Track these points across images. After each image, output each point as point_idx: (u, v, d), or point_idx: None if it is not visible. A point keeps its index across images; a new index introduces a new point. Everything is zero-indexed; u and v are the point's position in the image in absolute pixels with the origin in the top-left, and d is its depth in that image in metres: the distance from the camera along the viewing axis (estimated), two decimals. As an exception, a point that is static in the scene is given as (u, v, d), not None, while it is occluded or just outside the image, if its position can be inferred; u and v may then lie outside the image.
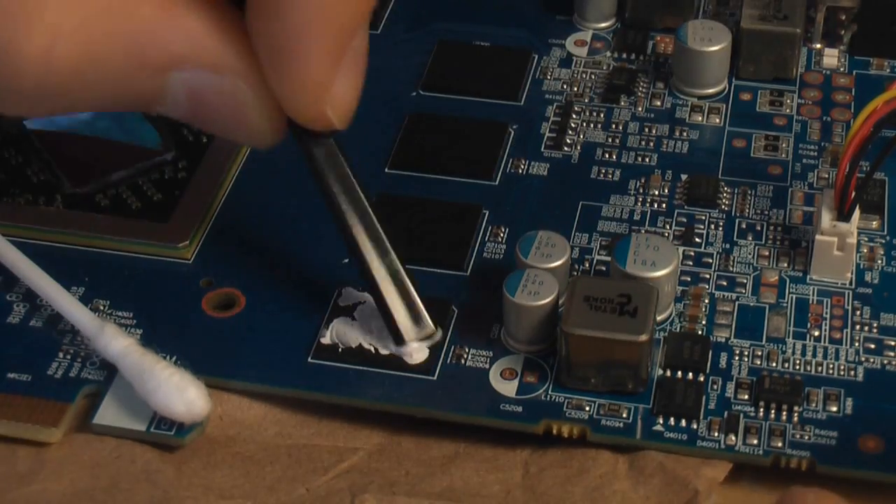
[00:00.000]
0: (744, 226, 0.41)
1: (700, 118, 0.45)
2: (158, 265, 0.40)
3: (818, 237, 0.39)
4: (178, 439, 0.36)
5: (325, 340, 0.38)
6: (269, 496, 0.35)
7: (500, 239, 0.41)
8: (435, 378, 0.37)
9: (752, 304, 0.39)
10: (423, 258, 0.40)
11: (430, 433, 0.36)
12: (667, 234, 0.41)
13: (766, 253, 0.40)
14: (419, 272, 0.40)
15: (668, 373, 0.37)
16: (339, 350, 0.38)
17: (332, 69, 0.32)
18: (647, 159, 0.43)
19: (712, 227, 0.41)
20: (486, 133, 0.44)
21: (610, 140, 0.44)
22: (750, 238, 0.41)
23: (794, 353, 0.37)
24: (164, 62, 0.31)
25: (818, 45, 0.47)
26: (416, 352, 0.37)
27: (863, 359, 0.37)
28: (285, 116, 0.33)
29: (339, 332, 0.38)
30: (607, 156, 0.44)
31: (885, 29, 0.47)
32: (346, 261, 0.40)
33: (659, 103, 0.46)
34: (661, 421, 0.36)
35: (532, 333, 0.37)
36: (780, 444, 0.35)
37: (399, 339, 0.37)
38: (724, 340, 0.38)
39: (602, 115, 0.45)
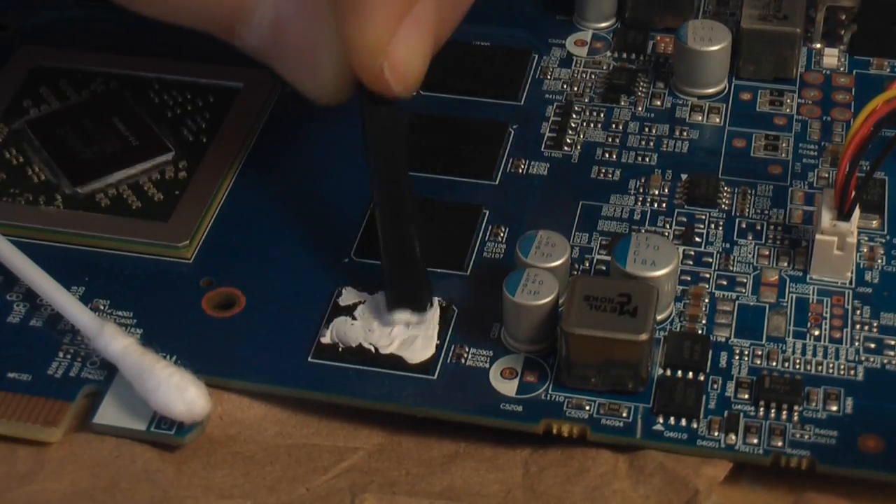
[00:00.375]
0: (744, 225, 0.41)
1: (700, 118, 0.45)
2: (158, 265, 0.40)
3: (818, 237, 0.39)
4: (178, 439, 0.36)
5: (326, 340, 0.38)
6: (269, 496, 0.35)
7: (500, 238, 0.41)
8: (435, 377, 0.37)
9: (752, 303, 0.39)
10: (423, 258, 0.40)
11: (431, 433, 0.36)
12: (667, 234, 0.41)
13: (766, 252, 0.40)
14: (419, 272, 0.40)
15: (668, 372, 0.37)
16: (340, 350, 0.38)
17: (390, 25, 0.31)
18: (647, 159, 0.43)
19: (712, 226, 0.41)
20: (487, 133, 0.44)
21: (610, 140, 0.44)
22: (750, 237, 0.41)
23: (794, 352, 0.37)
24: None
25: (818, 45, 0.47)
26: (398, 326, 0.37)
27: (863, 358, 0.37)
28: (352, 75, 0.33)
29: (340, 332, 0.38)
30: (607, 155, 0.44)
31: (885, 29, 0.47)
32: (347, 260, 0.40)
33: (659, 103, 0.46)
34: (661, 420, 0.36)
35: (532, 333, 0.37)
36: (780, 444, 0.35)
37: (391, 304, 0.37)
38: (724, 340, 0.38)
39: (602, 115, 0.45)
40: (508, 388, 0.37)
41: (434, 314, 0.38)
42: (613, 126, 0.45)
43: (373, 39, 0.31)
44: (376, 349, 0.37)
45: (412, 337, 0.37)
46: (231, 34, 0.32)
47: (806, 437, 0.35)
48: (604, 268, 0.40)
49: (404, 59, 0.32)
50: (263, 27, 0.32)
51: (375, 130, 0.35)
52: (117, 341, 0.37)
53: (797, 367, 0.37)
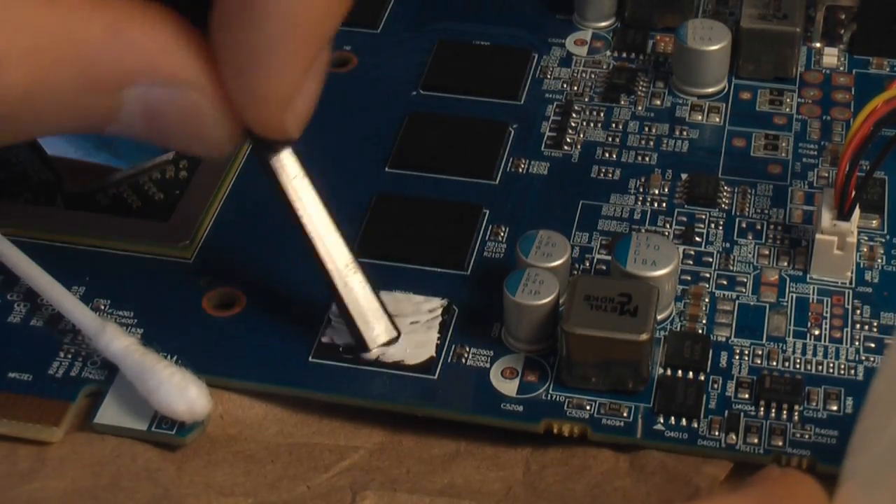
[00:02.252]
0: (744, 225, 0.41)
1: (700, 117, 0.45)
2: (159, 264, 0.40)
3: (818, 236, 0.39)
4: (179, 438, 0.36)
5: (326, 339, 0.38)
6: (269, 494, 0.35)
7: (500, 238, 0.41)
8: (436, 377, 0.37)
9: (752, 303, 0.39)
10: (424, 258, 0.40)
11: (431, 432, 0.36)
12: (667, 234, 0.41)
13: (767, 252, 0.40)
14: (419, 272, 0.40)
15: (669, 372, 0.37)
16: (340, 349, 0.38)
17: (300, 82, 0.32)
18: (647, 158, 0.43)
19: (712, 226, 0.41)
20: (487, 132, 0.44)
21: (610, 139, 0.44)
22: (750, 237, 0.41)
23: (794, 352, 0.37)
24: (116, 80, 0.31)
25: (818, 45, 0.48)
26: (378, 354, 0.37)
27: (863, 358, 0.37)
28: (241, 126, 0.33)
29: (339, 332, 0.38)
30: (607, 155, 0.44)
31: (885, 28, 0.47)
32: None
33: (659, 102, 0.46)
34: (661, 420, 0.36)
35: (533, 333, 0.37)
36: (780, 443, 0.35)
37: (363, 347, 0.37)
38: (724, 339, 0.38)
39: (602, 115, 0.45)
40: (509, 387, 0.37)
41: (435, 314, 0.38)
42: (613, 125, 0.45)
43: (279, 101, 0.32)
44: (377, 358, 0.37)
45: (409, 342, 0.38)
46: (101, 132, 0.32)
47: (806, 436, 0.35)
48: (604, 267, 0.40)
49: (305, 106, 0.32)
50: (136, 118, 0.31)
51: (278, 174, 0.35)
52: (118, 341, 0.37)
53: (797, 366, 0.37)
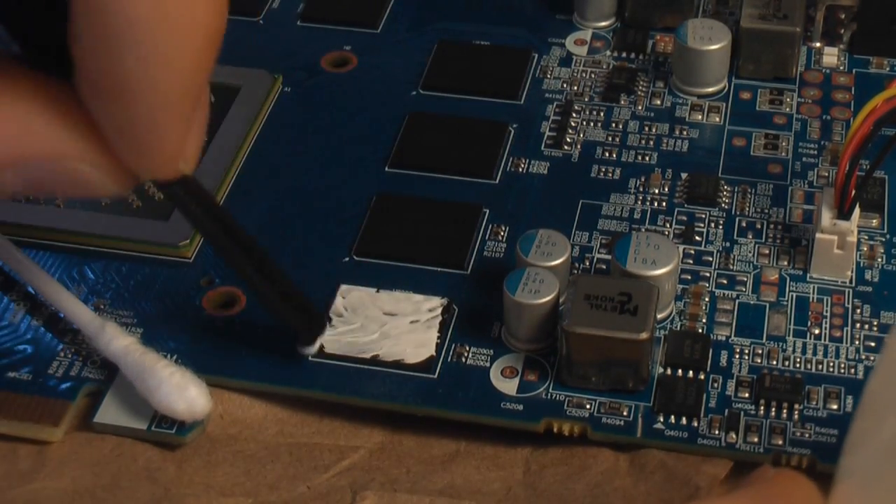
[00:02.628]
0: (744, 224, 0.41)
1: (700, 117, 0.45)
2: (159, 264, 0.40)
3: (818, 235, 0.39)
4: (179, 438, 0.36)
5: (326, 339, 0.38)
6: (270, 494, 0.35)
7: (500, 238, 0.41)
8: (436, 376, 0.37)
9: (752, 302, 0.39)
10: (424, 258, 0.40)
11: (431, 431, 0.36)
12: (667, 233, 0.41)
13: (767, 251, 0.40)
14: (419, 271, 0.40)
15: (669, 371, 0.37)
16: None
17: (187, 134, 0.30)
18: (647, 158, 0.43)
19: (712, 225, 0.41)
20: (487, 132, 0.44)
21: (610, 139, 0.44)
22: (750, 236, 0.41)
23: (794, 351, 0.37)
24: None
25: (818, 44, 0.48)
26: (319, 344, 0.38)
27: (863, 357, 0.37)
28: (133, 175, 0.31)
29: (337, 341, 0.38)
30: (607, 154, 0.44)
31: (885, 28, 0.47)
32: (347, 259, 0.40)
33: (659, 102, 0.46)
34: (661, 419, 0.36)
35: (533, 332, 0.37)
36: (780, 442, 0.35)
37: (306, 340, 0.37)
38: (724, 339, 0.38)
39: (602, 114, 0.45)
40: (509, 387, 0.37)
41: (435, 313, 0.38)
42: (613, 125, 0.45)
43: (169, 153, 0.30)
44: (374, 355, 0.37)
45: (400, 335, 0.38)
46: None
47: (806, 435, 0.35)
48: (604, 267, 0.40)
49: (194, 148, 0.31)
50: (19, 188, 0.29)
51: (185, 204, 0.34)
52: (118, 340, 0.37)
53: (797, 365, 0.37)
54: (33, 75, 0.29)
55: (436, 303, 0.39)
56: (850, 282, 0.39)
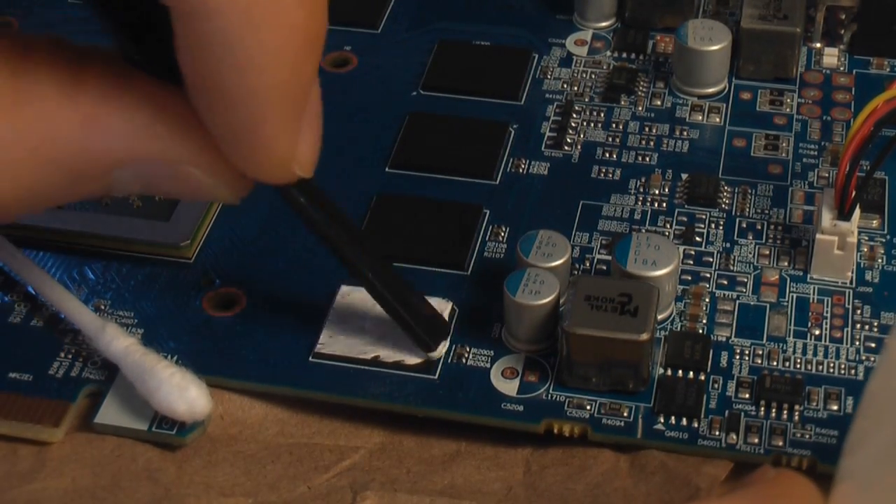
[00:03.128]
0: (744, 225, 0.41)
1: (700, 117, 0.45)
2: (159, 264, 0.40)
3: (819, 236, 0.39)
4: (180, 438, 0.36)
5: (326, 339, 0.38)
6: (270, 494, 0.35)
7: (500, 238, 0.41)
8: (436, 377, 0.37)
9: (752, 303, 0.39)
10: (424, 258, 0.40)
11: (432, 432, 0.36)
12: (667, 234, 0.41)
13: (767, 252, 0.40)
14: (419, 271, 0.40)
15: (669, 372, 0.37)
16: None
17: (296, 136, 0.31)
18: (647, 159, 0.43)
19: (713, 226, 0.41)
20: (487, 132, 0.44)
21: (610, 139, 0.44)
22: (750, 237, 0.41)
23: (794, 352, 0.37)
24: (102, 167, 0.30)
25: (818, 45, 0.48)
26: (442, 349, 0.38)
27: (863, 358, 0.37)
28: (248, 180, 0.32)
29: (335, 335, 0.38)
30: (608, 155, 0.44)
31: (885, 28, 0.47)
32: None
33: (659, 103, 0.46)
34: (661, 420, 0.36)
35: (533, 333, 0.37)
36: (780, 443, 0.35)
37: (427, 347, 0.37)
38: (724, 339, 0.38)
39: (602, 115, 0.45)
40: (509, 387, 0.37)
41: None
42: (613, 126, 0.45)
43: (282, 157, 0.31)
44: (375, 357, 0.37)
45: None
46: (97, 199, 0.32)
47: (807, 436, 0.35)
48: (604, 267, 0.40)
49: (309, 150, 0.31)
50: (133, 188, 0.30)
51: (301, 206, 0.34)
52: (118, 341, 0.37)
53: (798, 366, 0.37)
54: (150, 81, 0.30)
55: (443, 305, 0.38)
56: (851, 283, 0.39)
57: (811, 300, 0.39)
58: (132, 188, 0.31)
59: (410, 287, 0.37)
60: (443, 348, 0.37)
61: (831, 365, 0.37)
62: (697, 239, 0.41)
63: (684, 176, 0.43)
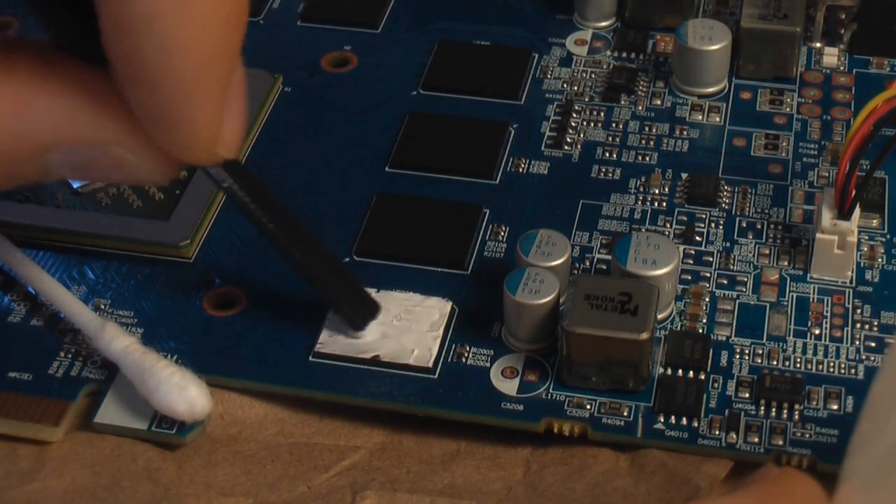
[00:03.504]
0: (744, 224, 0.41)
1: (700, 117, 0.45)
2: (159, 264, 0.40)
3: (819, 235, 0.39)
4: (180, 438, 0.36)
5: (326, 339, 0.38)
6: (270, 493, 0.35)
7: (500, 238, 0.41)
8: (436, 376, 0.37)
9: (752, 302, 0.39)
10: (424, 258, 0.40)
11: (432, 431, 0.36)
12: (667, 233, 0.41)
13: (767, 251, 0.40)
14: (419, 271, 0.40)
15: (669, 371, 0.37)
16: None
17: (220, 117, 0.31)
18: (647, 158, 0.43)
19: (713, 225, 0.41)
20: (487, 132, 0.44)
21: (610, 139, 0.44)
22: (750, 237, 0.41)
23: (794, 351, 0.37)
24: (32, 151, 0.30)
25: (818, 44, 0.48)
26: (371, 331, 0.38)
27: (863, 357, 0.37)
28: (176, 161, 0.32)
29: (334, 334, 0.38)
30: (608, 155, 0.44)
31: (885, 28, 0.47)
32: (347, 259, 0.40)
33: (659, 102, 0.46)
34: (661, 419, 0.36)
35: (533, 332, 0.37)
36: (780, 443, 0.35)
37: (357, 325, 0.37)
38: (724, 339, 0.38)
39: (602, 114, 0.45)
40: (509, 387, 0.37)
41: (441, 313, 0.38)
42: (614, 125, 0.45)
43: (205, 136, 0.31)
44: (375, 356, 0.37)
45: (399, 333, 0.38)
46: (31, 184, 0.32)
47: (807, 435, 0.35)
48: (604, 267, 0.40)
49: (233, 130, 0.32)
50: (66, 172, 0.31)
51: (228, 185, 0.34)
52: (118, 341, 0.37)
53: (798, 366, 0.37)
54: (76, 63, 0.30)
55: (445, 307, 0.38)
56: (851, 282, 0.39)
57: (811, 299, 0.39)
58: (66, 172, 0.31)
59: (342, 267, 0.37)
60: (372, 326, 0.38)
61: (831, 364, 0.37)
62: (697, 238, 0.41)
63: (684, 175, 0.43)
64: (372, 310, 0.38)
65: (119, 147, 0.31)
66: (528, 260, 0.38)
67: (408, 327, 0.38)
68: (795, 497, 0.30)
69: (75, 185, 0.42)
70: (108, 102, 0.30)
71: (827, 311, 0.38)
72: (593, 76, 0.47)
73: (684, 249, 0.40)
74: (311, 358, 0.37)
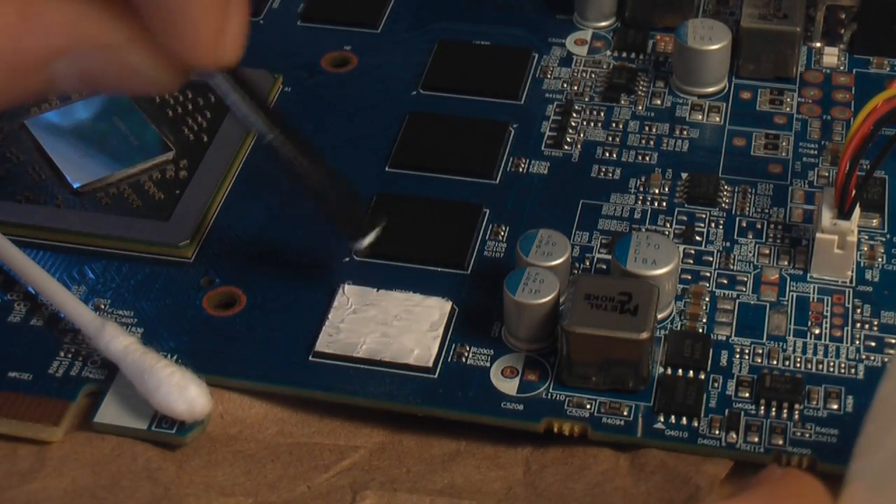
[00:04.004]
0: (744, 224, 0.41)
1: (700, 117, 0.45)
2: (159, 264, 0.40)
3: (819, 235, 0.39)
4: (180, 437, 0.36)
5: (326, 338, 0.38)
6: (270, 493, 0.35)
7: (500, 237, 0.41)
8: (436, 376, 0.37)
9: (752, 302, 0.39)
10: (424, 258, 0.40)
11: (432, 431, 0.36)
12: (667, 233, 0.41)
13: (767, 251, 0.40)
14: (420, 271, 0.40)
15: (669, 371, 0.37)
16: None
17: (224, 18, 0.31)
18: (647, 158, 0.43)
19: (713, 225, 0.41)
20: (487, 132, 0.44)
21: (610, 139, 0.44)
22: (750, 236, 0.41)
23: (794, 351, 0.37)
24: (40, 58, 0.31)
25: (818, 44, 0.48)
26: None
27: (863, 356, 0.37)
28: (181, 65, 0.32)
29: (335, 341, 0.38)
30: (608, 154, 0.44)
31: (885, 28, 0.47)
32: (347, 260, 0.40)
33: (659, 102, 0.46)
34: (661, 419, 0.36)
35: (533, 332, 0.37)
36: (780, 442, 0.35)
37: (355, 235, 0.38)
38: (724, 338, 0.38)
39: (602, 114, 0.45)
40: (509, 386, 0.37)
41: (441, 313, 0.38)
42: (614, 125, 0.45)
43: (209, 41, 0.31)
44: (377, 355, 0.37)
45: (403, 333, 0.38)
46: (48, 96, 0.31)
47: (807, 435, 0.35)
48: (604, 266, 0.40)
49: (235, 34, 0.32)
50: (73, 81, 0.32)
51: (228, 93, 0.35)
52: (118, 340, 0.37)
53: (798, 365, 0.37)
54: None
55: (445, 307, 0.38)
56: (851, 282, 0.39)
57: (811, 299, 0.39)
58: (72, 81, 0.31)
59: (342, 178, 0.37)
60: (369, 239, 0.38)
61: (831, 364, 0.37)
62: (697, 238, 0.41)
63: (684, 175, 0.43)
64: (369, 219, 0.38)
65: (126, 52, 0.31)
66: (528, 260, 0.38)
67: (408, 327, 0.38)
68: (801, 499, 0.30)
69: (75, 184, 0.42)
70: (114, 6, 0.30)
71: (827, 311, 0.38)
72: (593, 76, 0.47)
73: (684, 249, 0.40)
74: (311, 358, 0.38)
